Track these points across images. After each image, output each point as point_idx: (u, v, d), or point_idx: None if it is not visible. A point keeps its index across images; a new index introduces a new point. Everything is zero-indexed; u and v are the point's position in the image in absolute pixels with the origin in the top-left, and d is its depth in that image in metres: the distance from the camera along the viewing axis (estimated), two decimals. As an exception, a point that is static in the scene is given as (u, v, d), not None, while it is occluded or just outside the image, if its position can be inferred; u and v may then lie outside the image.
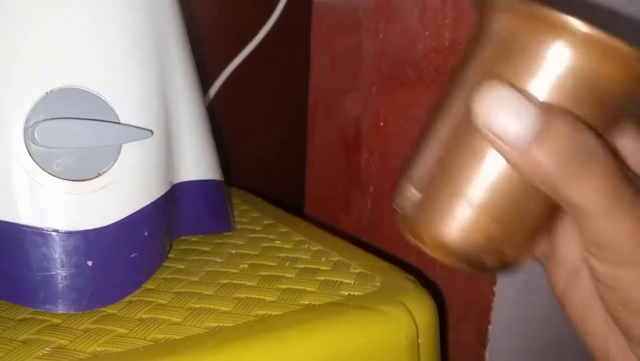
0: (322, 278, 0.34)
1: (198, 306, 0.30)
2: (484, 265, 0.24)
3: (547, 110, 0.19)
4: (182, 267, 0.35)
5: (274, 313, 0.29)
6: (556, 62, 0.20)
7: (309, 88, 0.63)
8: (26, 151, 0.28)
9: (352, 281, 0.33)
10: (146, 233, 0.31)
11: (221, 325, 0.28)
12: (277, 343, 0.27)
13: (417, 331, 0.30)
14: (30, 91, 0.28)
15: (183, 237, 0.40)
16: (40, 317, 0.29)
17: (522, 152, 0.19)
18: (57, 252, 0.28)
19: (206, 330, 0.28)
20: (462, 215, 0.23)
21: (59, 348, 0.26)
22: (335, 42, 0.59)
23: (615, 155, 0.20)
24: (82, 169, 0.29)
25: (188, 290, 0.32)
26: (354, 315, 0.29)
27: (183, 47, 0.36)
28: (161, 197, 0.32)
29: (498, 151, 0.20)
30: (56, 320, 0.28)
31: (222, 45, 0.58)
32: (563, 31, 0.20)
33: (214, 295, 0.31)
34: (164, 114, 0.32)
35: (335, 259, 0.37)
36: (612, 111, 0.22)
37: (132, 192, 0.31)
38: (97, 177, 0.29)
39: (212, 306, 0.30)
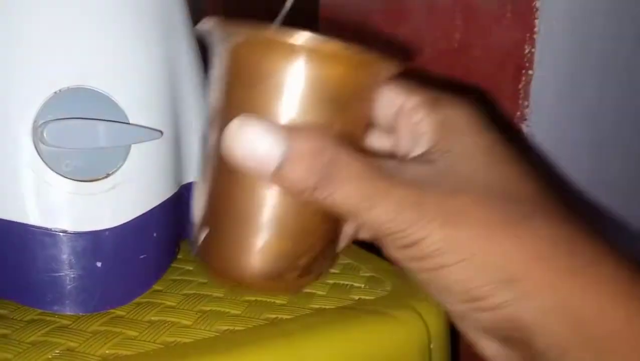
0: (331, 281, 0.34)
1: (208, 309, 0.30)
2: (289, 282, 0.25)
3: (290, 131, 0.21)
4: (191, 268, 0.35)
5: (284, 316, 0.29)
6: (286, 77, 0.22)
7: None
8: (35, 151, 0.27)
9: (363, 285, 0.33)
10: (155, 235, 0.31)
11: (232, 328, 0.28)
12: (289, 347, 0.27)
13: (429, 337, 0.30)
14: (39, 91, 0.28)
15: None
16: (48, 318, 0.28)
17: (276, 175, 0.21)
18: (66, 253, 0.28)
19: (217, 334, 0.27)
20: (253, 244, 0.23)
21: (68, 350, 0.26)
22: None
23: (362, 153, 0.21)
24: (91, 169, 0.29)
25: (197, 292, 0.32)
26: (365, 319, 0.29)
27: (192, 47, 0.36)
28: (170, 197, 0.32)
29: (257, 177, 0.21)
30: (65, 322, 0.28)
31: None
32: (281, 48, 0.21)
33: (223, 298, 0.31)
34: (173, 115, 0.32)
35: (345, 262, 0.37)
36: (354, 102, 0.23)
37: (141, 192, 0.30)
38: (106, 177, 0.29)
39: (222, 309, 0.30)
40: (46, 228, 0.28)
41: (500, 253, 0.21)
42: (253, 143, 0.21)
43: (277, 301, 0.31)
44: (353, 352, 0.28)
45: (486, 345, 0.24)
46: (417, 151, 0.24)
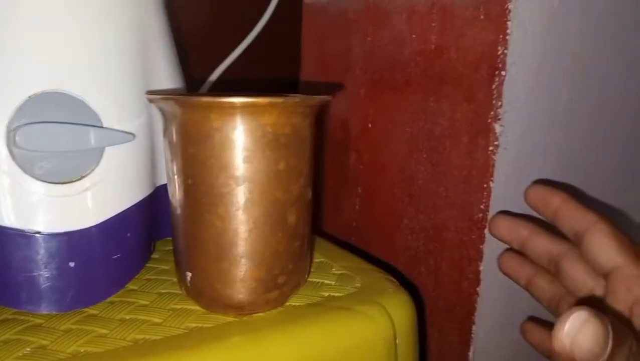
0: (304, 279, 0.34)
1: (179, 307, 0.31)
2: (272, 299, 0.30)
3: (615, 331, 0.22)
4: (166, 267, 0.36)
5: (254, 315, 0.30)
6: (229, 129, 0.27)
7: (299, 91, 0.63)
8: (8, 154, 0.28)
9: (333, 282, 0.34)
10: (129, 235, 0.32)
11: (201, 325, 0.29)
12: (255, 343, 0.27)
13: (395, 332, 0.31)
14: (13, 95, 0.29)
15: (168, 238, 0.40)
16: (22, 318, 0.29)
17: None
18: (40, 254, 0.29)
19: (185, 331, 0.28)
20: (233, 275, 0.28)
21: (39, 348, 0.26)
22: (325, 45, 0.60)
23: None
24: (64, 172, 0.29)
25: (171, 291, 0.32)
26: (332, 315, 0.30)
27: (168, 51, 0.36)
28: (144, 198, 0.33)
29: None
30: (38, 321, 0.29)
31: (209, 49, 0.58)
32: (220, 108, 0.27)
33: (195, 296, 0.32)
34: (147, 117, 0.33)
35: (318, 260, 0.38)
36: (293, 142, 0.28)
37: (115, 194, 0.31)
38: (79, 179, 0.30)
39: (192, 308, 0.30)
40: (20, 230, 0.29)
41: None
42: (591, 339, 0.22)
43: (248, 299, 0.32)
44: (319, 347, 0.29)
45: None
46: (635, 323, 0.26)
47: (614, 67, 0.47)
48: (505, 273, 0.31)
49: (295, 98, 0.27)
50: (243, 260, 0.28)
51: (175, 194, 0.29)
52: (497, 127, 0.43)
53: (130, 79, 0.32)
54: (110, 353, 0.26)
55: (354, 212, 0.58)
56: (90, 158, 0.30)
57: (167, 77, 0.35)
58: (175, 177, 0.28)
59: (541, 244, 0.32)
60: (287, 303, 0.31)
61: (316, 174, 0.31)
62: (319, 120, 0.29)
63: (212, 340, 0.27)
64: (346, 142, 0.58)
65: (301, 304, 0.31)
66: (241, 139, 0.26)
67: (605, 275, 0.28)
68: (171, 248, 0.39)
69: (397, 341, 0.31)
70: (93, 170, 0.30)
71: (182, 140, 0.28)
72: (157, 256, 0.37)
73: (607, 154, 0.49)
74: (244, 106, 0.26)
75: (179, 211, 0.29)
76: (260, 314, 0.30)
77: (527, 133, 0.45)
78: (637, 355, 0.23)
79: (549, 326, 0.30)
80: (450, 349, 0.47)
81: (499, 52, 0.43)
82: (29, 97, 0.29)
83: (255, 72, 0.61)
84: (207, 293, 0.29)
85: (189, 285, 0.29)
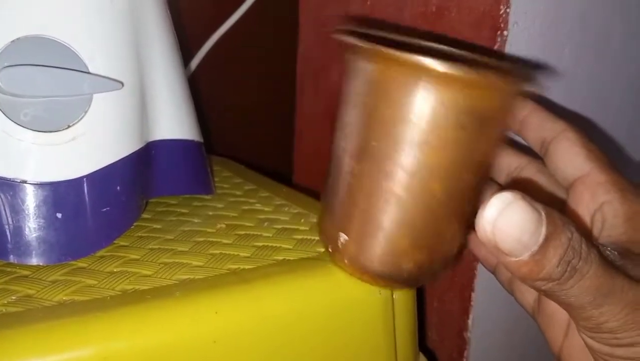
0: (299, 237, 0.34)
1: (170, 260, 0.30)
2: (419, 282, 0.27)
3: (550, 219, 0.19)
4: (159, 226, 0.35)
5: (247, 266, 0.29)
6: (434, 104, 0.22)
7: (297, 58, 0.62)
8: (-8, 99, 0.27)
9: (329, 240, 0.33)
10: (119, 188, 0.31)
11: (192, 277, 0.28)
12: (248, 294, 0.27)
13: (393, 287, 0.30)
14: (-3, 39, 0.28)
15: (161, 200, 0.39)
16: (9, 269, 0.28)
17: (525, 262, 0.19)
18: (26, 203, 0.28)
19: (176, 282, 0.27)
20: (387, 244, 0.25)
21: (25, 296, 0.26)
22: (323, 10, 0.59)
23: (597, 249, 0.20)
24: (51, 120, 0.28)
25: (162, 247, 0.32)
26: (328, 268, 0.29)
27: (159, 6, 0.35)
28: (134, 152, 0.32)
29: (502, 263, 0.20)
30: (25, 272, 0.28)
31: (209, 9, 0.57)
32: (425, 73, 0.21)
33: (188, 251, 0.31)
34: (137, 68, 0.32)
35: (314, 220, 0.37)
36: (494, 127, 0.23)
37: (103, 145, 0.30)
38: (66, 128, 0.29)
39: (184, 261, 0.30)
40: (6, 178, 0.28)
41: None
42: (518, 226, 0.19)
43: (241, 254, 0.31)
44: (315, 300, 0.28)
45: None
46: (604, 234, 0.24)
47: (618, 27, 0.46)
48: None
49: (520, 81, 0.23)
50: (411, 236, 0.24)
51: (348, 150, 0.25)
52: (499, 88, 0.42)
53: (119, 26, 0.31)
54: (97, 302, 0.25)
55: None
56: (78, 107, 0.29)
57: (158, 27, 0.34)
58: (354, 131, 0.24)
59: (499, 160, 0.29)
60: (282, 258, 0.30)
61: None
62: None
63: (203, 289, 0.26)
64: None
65: (295, 258, 0.30)
66: (453, 114, 0.22)
67: (570, 186, 0.26)
68: (164, 209, 0.38)
69: (395, 296, 0.30)
70: (80, 119, 0.29)
71: (379, 97, 0.23)
72: (148, 216, 0.37)
73: (609, 115, 0.48)
74: (476, 80, 0.21)
75: (348, 171, 0.25)
76: (251, 267, 0.29)
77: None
78: (580, 255, 0.19)
79: None
80: (450, 318, 0.46)
81: (501, 12, 0.42)
82: (12, 40, 0.28)
83: (253, 38, 0.60)
84: (359, 260, 0.26)
85: (340, 246, 0.26)
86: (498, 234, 0.19)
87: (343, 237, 0.26)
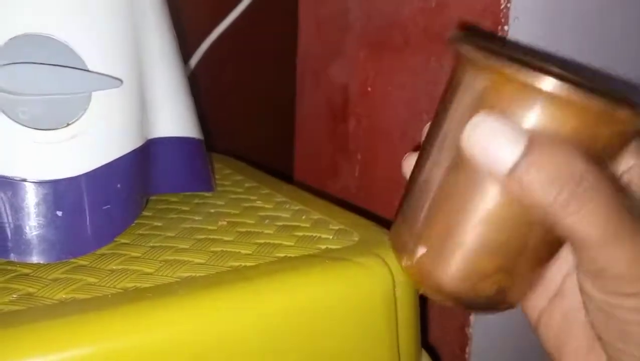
0: (300, 233, 0.34)
1: (172, 258, 0.30)
2: (496, 308, 0.24)
3: (535, 136, 0.19)
4: (160, 224, 0.35)
5: (248, 264, 0.29)
6: (543, 126, 0.20)
7: (297, 54, 0.62)
8: (-9, 98, 0.27)
9: (331, 237, 0.33)
10: (119, 186, 0.31)
11: (193, 275, 0.28)
12: (249, 291, 0.27)
13: (394, 283, 0.30)
14: (-4, 37, 0.27)
15: (162, 197, 0.39)
16: (10, 267, 0.28)
17: (511, 175, 0.19)
18: (26, 202, 0.28)
19: (177, 280, 0.27)
20: (469, 263, 0.22)
21: (26, 295, 0.26)
22: (322, 7, 0.58)
23: (613, 183, 0.19)
24: (50, 118, 0.28)
25: (163, 244, 0.32)
26: (329, 265, 0.29)
27: (158, 4, 0.35)
28: (134, 150, 0.32)
29: (493, 178, 0.20)
30: (26, 270, 0.28)
31: (210, 6, 0.57)
32: (538, 92, 0.19)
33: (189, 249, 0.31)
34: (136, 66, 0.32)
35: (316, 217, 0.37)
36: (603, 149, 0.21)
37: (103, 143, 0.30)
38: (66, 126, 0.29)
39: (185, 258, 0.30)
40: (5, 177, 0.28)
41: None
42: (491, 137, 0.19)
43: (243, 251, 0.31)
44: (316, 297, 0.28)
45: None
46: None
47: (617, 22, 0.46)
48: (405, 176, 0.27)
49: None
50: (495, 259, 0.22)
51: (442, 161, 0.23)
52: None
53: (118, 24, 0.31)
54: (98, 300, 0.25)
55: (353, 179, 0.56)
56: (77, 105, 0.29)
57: (157, 25, 0.34)
58: (454, 142, 0.22)
59: None
60: (283, 255, 0.30)
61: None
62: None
63: (205, 287, 0.26)
64: (345, 107, 0.56)
65: (297, 255, 0.30)
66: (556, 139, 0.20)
67: None
68: (165, 207, 0.38)
69: (397, 292, 0.30)
70: (80, 117, 0.29)
71: (467, 100, 0.22)
72: (149, 213, 0.37)
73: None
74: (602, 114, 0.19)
75: (438, 182, 0.23)
76: (252, 264, 0.29)
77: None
78: (580, 180, 0.19)
79: None
80: (452, 314, 0.46)
81: (502, 7, 0.42)
82: (10, 38, 0.27)
83: (252, 35, 0.60)
84: (434, 276, 0.23)
85: (415, 260, 0.24)
86: (471, 145, 0.20)
87: (421, 250, 0.24)
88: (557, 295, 0.24)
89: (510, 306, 0.25)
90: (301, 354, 0.28)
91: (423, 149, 0.25)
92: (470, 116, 0.21)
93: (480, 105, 0.21)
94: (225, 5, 0.57)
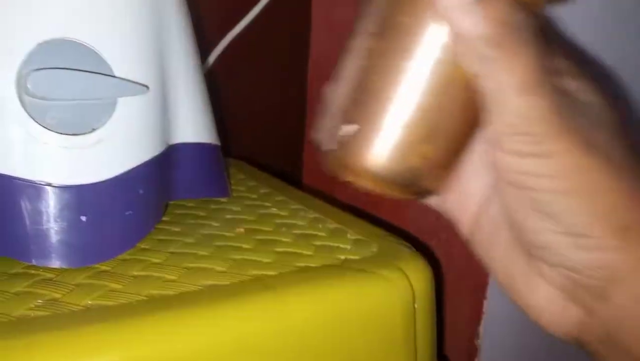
0: (318, 243, 0.34)
1: (193, 265, 0.30)
2: (419, 188, 0.24)
3: None
4: (178, 229, 0.35)
5: (270, 273, 0.29)
6: None
7: (310, 58, 0.62)
8: (19, 102, 0.27)
9: (349, 247, 0.33)
10: (141, 192, 0.31)
11: (216, 283, 0.28)
12: (273, 301, 0.27)
13: (414, 296, 0.30)
14: (23, 41, 0.27)
15: (179, 202, 0.39)
16: (33, 272, 0.28)
17: (462, 13, 0.19)
18: (50, 206, 0.28)
19: (201, 288, 0.27)
20: (397, 139, 0.22)
21: (51, 300, 0.26)
22: (336, 11, 0.59)
23: (541, 40, 0.20)
24: (76, 123, 0.28)
25: (183, 251, 0.32)
26: (350, 277, 0.29)
27: (180, 6, 0.35)
28: (157, 156, 0.32)
29: (439, 12, 0.20)
30: (49, 275, 0.28)
31: (221, 12, 0.57)
32: None
33: (209, 256, 0.31)
34: (160, 72, 0.32)
35: (332, 226, 0.37)
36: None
37: (128, 149, 0.30)
38: (91, 132, 0.29)
39: (207, 266, 0.30)
40: (31, 181, 0.28)
41: (627, 198, 0.19)
42: None
43: (263, 260, 0.31)
44: (338, 308, 0.28)
45: (542, 289, 0.23)
46: None
47: (633, 21, 0.46)
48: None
49: None
50: (425, 126, 0.22)
51: (370, 30, 0.22)
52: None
53: (143, 31, 0.31)
54: (126, 307, 0.25)
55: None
56: (103, 111, 0.29)
57: (179, 33, 0.34)
58: (381, 8, 0.22)
59: None
60: (304, 265, 0.30)
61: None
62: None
63: (229, 296, 0.26)
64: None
65: (317, 265, 0.30)
66: None
67: None
68: (182, 212, 0.38)
69: (416, 305, 0.30)
70: (105, 123, 0.29)
71: None
72: (167, 218, 0.37)
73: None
74: None
75: (365, 52, 0.22)
76: (274, 273, 0.29)
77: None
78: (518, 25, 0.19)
79: None
80: (461, 325, 0.47)
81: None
82: (39, 43, 0.27)
83: (265, 39, 0.60)
84: (363, 155, 0.22)
85: (341, 140, 0.23)
86: None
87: (347, 128, 0.23)
88: (486, 200, 0.24)
89: (431, 187, 0.24)
90: (321, 364, 0.28)
91: (352, 30, 0.24)
92: None
93: None
94: (235, 13, 0.57)
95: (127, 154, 0.30)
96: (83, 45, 0.28)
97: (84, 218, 0.28)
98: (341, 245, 0.33)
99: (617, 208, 0.20)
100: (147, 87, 0.30)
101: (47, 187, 0.28)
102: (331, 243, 0.34)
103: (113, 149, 0.29)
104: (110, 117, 0.29)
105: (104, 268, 0.29)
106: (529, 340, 0.47)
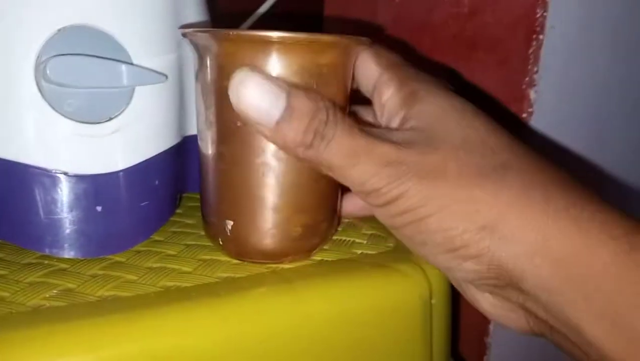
0: (334, 237, 0.33)
1: (208, 257, 0.29)
2: (314, 246, 0.29)
3: (291, 90, 0.22)
4: (191, 222, 0.35)
5: (286, 266, 0.29)
6: (269, 67, 0.24)
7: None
8: (37, 88, 0.27)
9: (365, 241, 0.33)
10: (157, 182, 0.30)
11: (233, 275, 0.27)
12: (290, 293, 0.26)
13: (431, 292, 0.30)
14: (42, 28, 0.27)
15: (190, 195, 0.39)
16: (47, 262, 0.28)
17: (276, 129, 0.22)
18: (65, 195, 0.28)
19: (218, 280, 0.27)
20: (274, 221, 0.26)
21: (66, 290, 0.25)
22: (349, 9, 0.58)
23: (348, 117, 0.23)
24: (93, 112, 0.28)
25: (198, 243, 0.31)
26: (367, 271, 0.29)
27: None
28: (173, 146, 0.31)
29: (258, 130, 0.23)
30: (63, 265, 0.28)
31: (233, 7, 0.56)
32: (261, 44, 0.24)
33: (224, 249, 0.31)
34: (178, 60, 0.31)
35: (346, 221, 0.36)
36: (330, 79, 0.25)
37: (144, 138, 0.30)
38: (108, 120, 0.28)
39: (223, 258, 0.29)
40: (46, 169, 0.27)
41: (474, 201, 0.21)
42: (257, 96, 0.22)
43: (279, 253, 0.30)
44: (354, 301, 0.28)
45: (481, 298, 0.25)
46: (384, 120, 0.26)
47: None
48: None
49: (334, 37, 0.25)
50: (292, 201, 0.26)
51: (216, 139, 0.26)
52: (532, 94, 0.42)
53: (163, 19, 0.30)
54: (141, 298, 0.25)
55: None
56: (120, 99, 0.29)
57: (197, 18, 0.34)
58: (217, 118, 0.26)
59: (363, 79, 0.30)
60: (319, 258, 0.30)
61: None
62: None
63: (246, 288, 0.26)
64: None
65: (333, 259, 0.30)
66: (282, 74, 0.24)
67: (371, 96, 0.27)
68: (195, 204, 0.38)
69: (433, 301, 0.30)
70: (122, 111, 0.29)
71: (218, 75, 0.26)
72: (180, 211, 0.36)
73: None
74: (281, 42, 0.24)
75: (219, 158, 0.26)
76: (291, 266, 0.29)
77: (561, 100, 0.43)
78: (326, 123, 0.22)
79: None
80: (472, 323, 0.46)
81: (538, 15, 0.41)
82: (58, 29, 0.27)
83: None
84: (249, 241, 0.27)
85: (229, 233, 0.27)
86: (242, 102, 0.22)
87: (229, 223, 0.27)
88: None
89: (321, 241, 0.29)
90: (337, 357, 0.28)
91: (199, 138, 0.28)
92: (222, 87, 0.24)
93: (224, 72, 0.24)
94: (250, 4, 0.56)
95: (144, 144, 0.30)
96: (103, 32, 0.28)
97: (99, 208, 0.28)
98: (357, 240, 0.33)
99: (472, 213, 0.22)
100: (166, 75, 0.29)
101: (62, 176, 0.27)
102: (346, 238, 0.33)
103: (130, 138, 0.29)
104: (127, 105, 0.29)
105: (118, 259, 0.29)
106: (538, 339, 0.47)
